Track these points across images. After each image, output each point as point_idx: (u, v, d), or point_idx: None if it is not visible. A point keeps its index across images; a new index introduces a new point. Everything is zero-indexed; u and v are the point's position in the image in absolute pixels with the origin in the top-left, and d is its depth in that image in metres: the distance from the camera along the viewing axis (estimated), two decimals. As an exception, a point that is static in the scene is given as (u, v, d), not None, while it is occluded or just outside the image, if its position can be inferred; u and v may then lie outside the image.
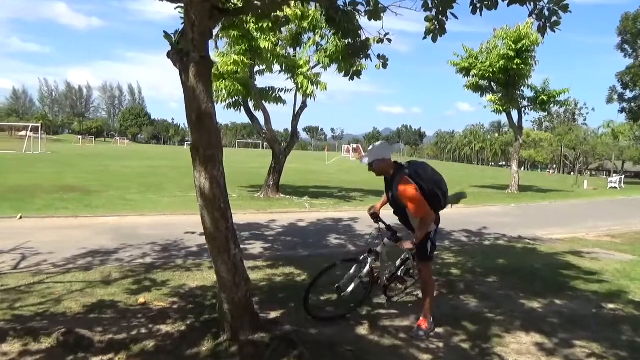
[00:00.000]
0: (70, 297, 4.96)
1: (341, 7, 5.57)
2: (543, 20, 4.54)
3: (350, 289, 4.46)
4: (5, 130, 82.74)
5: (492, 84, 19.53)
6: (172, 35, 3.41)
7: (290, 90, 13.89)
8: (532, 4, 4.54)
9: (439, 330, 4.47)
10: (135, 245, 7.55)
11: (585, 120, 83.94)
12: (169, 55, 3.62)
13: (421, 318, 4.38)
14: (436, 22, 4.99)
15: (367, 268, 4.50)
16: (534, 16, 4.58)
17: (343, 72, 12.20)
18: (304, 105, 14.17)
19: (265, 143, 14.85)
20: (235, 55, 12.02)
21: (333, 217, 11.34)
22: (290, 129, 15.22)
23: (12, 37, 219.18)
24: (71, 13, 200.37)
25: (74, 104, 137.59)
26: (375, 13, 6.15)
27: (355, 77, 6.73)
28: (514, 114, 20.79)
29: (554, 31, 4.58)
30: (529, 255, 7.94)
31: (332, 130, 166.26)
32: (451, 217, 12.17)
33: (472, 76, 19.01)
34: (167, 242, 7.89)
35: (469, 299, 5.45)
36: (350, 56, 6.48)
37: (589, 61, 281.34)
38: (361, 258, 4.56)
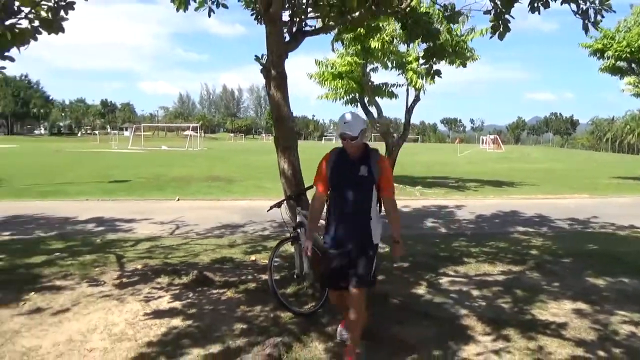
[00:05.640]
0: (204, 253, 6.67)
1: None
2: (586, 21, 4.92)
3: (306, 265, 4.56)
4: (173, 130, 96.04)
5: (633, 65, 17.75)
6: (260, 57, 4.71)
7: (402, 85, 14.73)
8: (576, 4, 4.95)
9: (488, 293, 5.13)
10: (259, 222, 9.23)
11: None
12: (261, 71, 4.95)
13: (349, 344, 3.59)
14: (500, 22, 5.58)
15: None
16: (578, 16, 4.98)
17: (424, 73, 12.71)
18: (417, 98, 14.84)
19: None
20: (348, 57, 13.25)
21: (439, 205, 11.94)
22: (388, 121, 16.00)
23: (176, 49, 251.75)
24: (219, 23, 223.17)
25: (228, 105, 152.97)
26: (453, 17, 6.92)
27: (435, 76, 7.46)
28: (663, 95, 18.56)
29: (597, 29, 4.95)
30: (626, 243, 7.78)
31: (472, 121, 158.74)
32: (563, 206, 11.90)
33: (607, 58, 17.54)
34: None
35: (533, 274, 5.89)
36: (429, 58, 7.25)
37: None
38: (297, 234, 4.56)
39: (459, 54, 13.04)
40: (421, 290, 5.25)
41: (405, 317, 4.40)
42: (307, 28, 5.36)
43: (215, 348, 3.71)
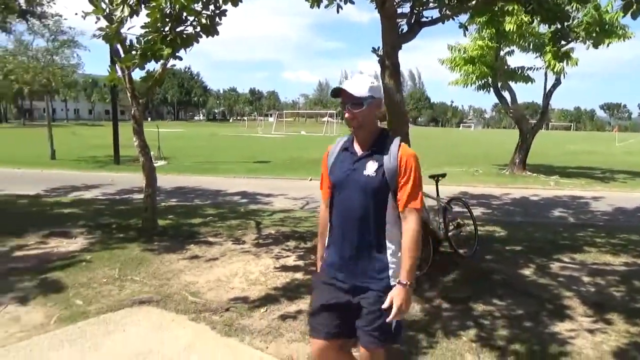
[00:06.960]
0: (328, 225, 7.48)
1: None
2: None
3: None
4: (312, 117, 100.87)
5: None
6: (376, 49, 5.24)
7: (539, 68, 13.88)
8: None
9: (600, 281, 5.05)
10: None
11: None
12: (378, 61, 5.48)
13: None
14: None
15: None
16: None
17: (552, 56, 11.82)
18: (557, 82, 13.87)
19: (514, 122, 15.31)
20: (480, 41, 12.94)
21: (573, 195, 11.24)
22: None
23: (316, 40, 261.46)
24: (357, 11, 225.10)
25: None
26: (582, -3, 6.69)
27: (565, 59, 7.21)
28: None
29: None
30: None
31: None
32: None
33: None
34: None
35: (662, 268, 5.56)
36: (557, 40, 7.06)
37: None
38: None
39: (609, 32, 11.96)
40: (528, 271, 5.37)
41: (504, 293, 4.64)
42: (424, 19, 5.72)
43: (326, 296, 4.44)
